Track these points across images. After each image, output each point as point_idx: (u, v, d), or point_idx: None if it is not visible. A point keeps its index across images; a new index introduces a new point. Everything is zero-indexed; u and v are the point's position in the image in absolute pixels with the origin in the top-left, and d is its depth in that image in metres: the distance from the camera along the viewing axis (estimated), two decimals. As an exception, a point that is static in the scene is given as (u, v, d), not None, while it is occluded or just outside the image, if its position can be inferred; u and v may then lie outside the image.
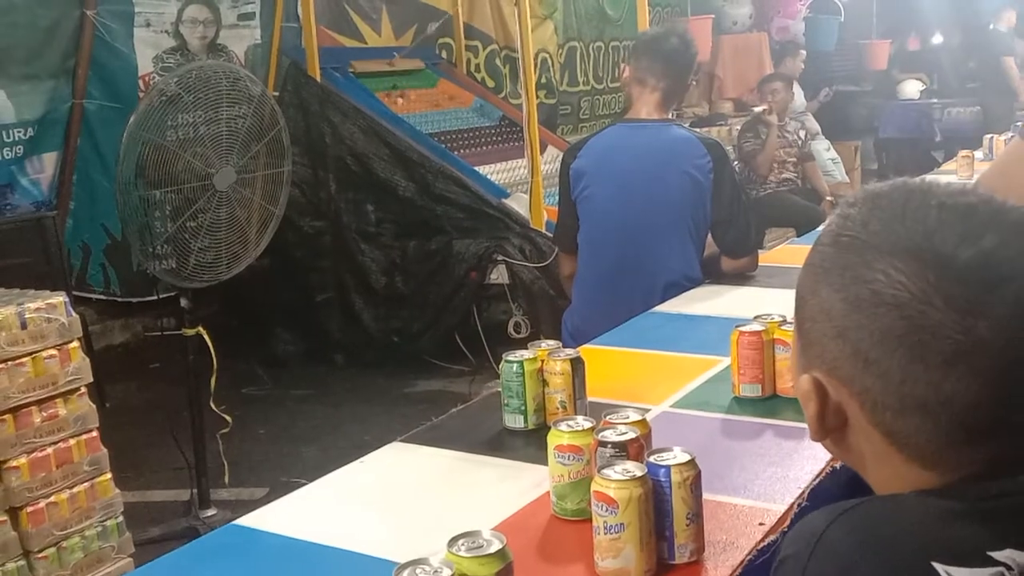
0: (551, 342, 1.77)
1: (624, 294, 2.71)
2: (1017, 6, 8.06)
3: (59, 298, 2.69)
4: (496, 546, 1.04)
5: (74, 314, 2.73)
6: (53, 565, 2.59)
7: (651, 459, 1.23)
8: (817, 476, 1.47)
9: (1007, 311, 0.72)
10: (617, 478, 1.18)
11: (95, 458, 2.73)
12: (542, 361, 1.69)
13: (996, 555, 0.70)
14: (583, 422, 1.39)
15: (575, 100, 7.33)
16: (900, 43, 9.87)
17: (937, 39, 10.36)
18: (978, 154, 4.57)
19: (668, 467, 1.21)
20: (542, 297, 4.35)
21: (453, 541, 1.05)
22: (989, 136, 4.97)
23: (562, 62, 7.10)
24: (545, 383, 1.68)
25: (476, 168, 4.87)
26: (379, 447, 1.66)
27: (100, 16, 4.57)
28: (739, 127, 6.78)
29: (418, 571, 1.00)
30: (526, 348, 1.72)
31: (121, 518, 2.81)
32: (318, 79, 4.93)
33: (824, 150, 7.08)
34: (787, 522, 1.34)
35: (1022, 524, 0.72)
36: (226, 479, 3.53)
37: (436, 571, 0.99)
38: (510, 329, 4.44)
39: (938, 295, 0.72)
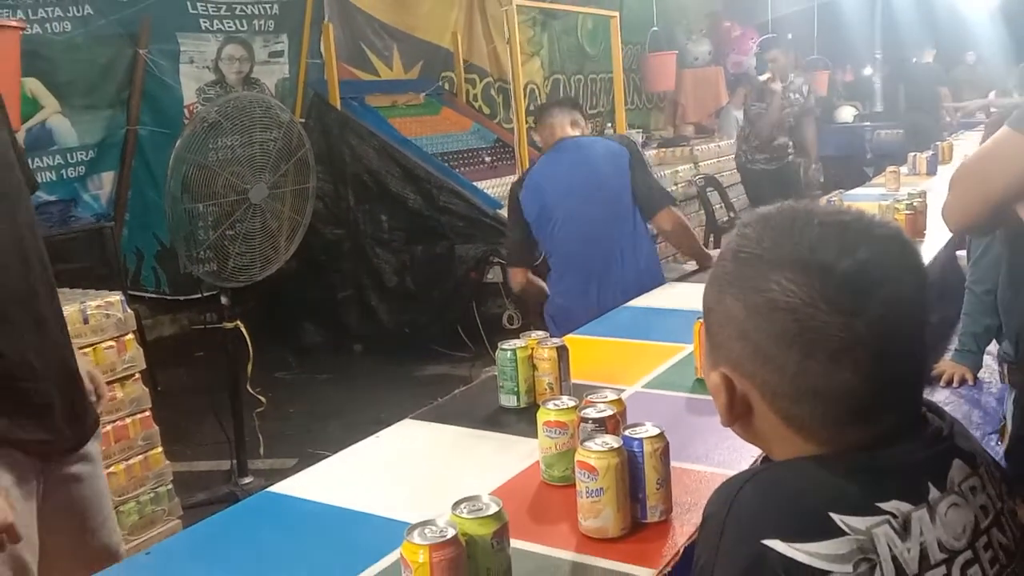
0: (540, 332, 1.76)
1: (604, 285, 2.78)
2: (938, 39, 8.07)
3: (116, 297, 2.69)
4: (493, 508, 1.04)
5: (129, 310, 2.72)
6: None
7: (626, 433, 1.23)
8: (768, 446, 1.47)
9: (880, 311, 0.73)
10: (597, 449, 1.18)
11: (148, 434, 2.73)
12: (532, 349, 1.69)
13: (883, 505, 0.71)
14: (567, 401, 1.38)
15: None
16: (837, 74, 9.88)
17: (867, 71, 10.38)
18: (904, 169, 4.57)
19: (641, 439, 1.20)
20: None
21: (456, 504, 1.05)
22: (913, 154, 4.98)
23: (548, 92, 7.09)
24: (535, 367, 1.68)
25: (474, 183, 4.85)
26: (393, 423, 1.66)
27: (151, 54, 4.56)
28: (700, 148, 6.78)
29: (426, 531, 0.99)
30: (518, 337, 1.72)
31: (171, 485, 2.81)
32: (338, 107, 4.91)
33: None
34: (743, 486, 1.34)
35: (904, 479, 0.73)
36: (261, 451, 3.52)
37: (442, 531, 0.99)
38: (504, 321, 4.43)
39: (823, 300, 0.73)
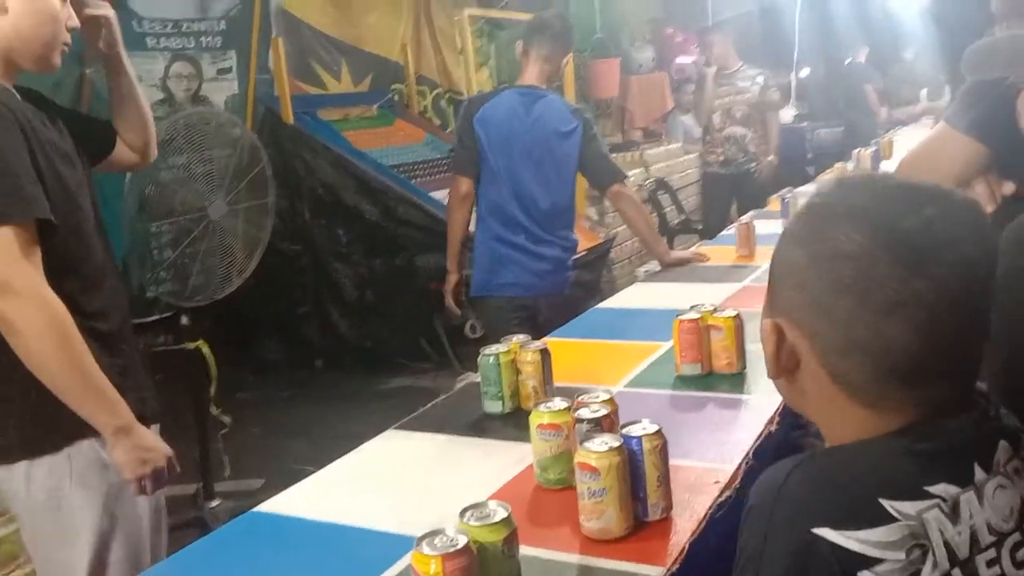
0: (520, 336, 1.74)
1: (529, 241, 2.84)
2: (871, 40, 8.27)
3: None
4: (502, 514, 1.01)
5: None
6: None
7: (624, 431, 1.21)
8: (757, 438, 1.46)
9: (942, 273, 0.72)
10: (598, 449, 1.16)
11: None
12: (515, 353, 1.67)
13: (932, 489, 0.70)
14: (560, 403, 1.36)
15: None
16: (777, 75, 10.04)
17: (804, 72, 10.57)
18: (849, 165, 4.66)
19: (640, 437, 1.19)
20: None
21: (463, 512, 1.02)
22: (857, 150, 5.08)
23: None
24: (518, 371, 1.66)
25: (430, 193, 4.81)
26: (359, 437, 1.60)
27: (97, 72, 4.42)
28: (650, 153, 6.82)
29: (436, 541, 0.96)
30: (488, 345, 1.69)
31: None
32: (291, 122, 4.83)
33: None
34: (738, 479, 1.33)
35: (952, 462, 0.72)
36: (226, 473, 3.42)
37: (452, 540, 0.95)
38: (467, 330, 4.38)
39: (884, 251, 0.73)
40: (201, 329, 3.35)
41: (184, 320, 3.14)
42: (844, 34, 8.32)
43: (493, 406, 1.66)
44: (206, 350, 3.15)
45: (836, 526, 0.68)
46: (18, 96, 1.54)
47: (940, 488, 0.70)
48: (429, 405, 1.80)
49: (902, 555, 0.67)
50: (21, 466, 1.51)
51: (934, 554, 0.68)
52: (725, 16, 7.88)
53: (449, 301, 3.11)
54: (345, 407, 4.25)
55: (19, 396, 1.48)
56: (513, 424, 1.61)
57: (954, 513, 0.69)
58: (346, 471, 1.50)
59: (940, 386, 0.75)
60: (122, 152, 1.81)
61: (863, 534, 0.68)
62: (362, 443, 1.59)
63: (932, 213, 0.74)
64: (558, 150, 2.86)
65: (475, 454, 1.51)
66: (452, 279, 3.09)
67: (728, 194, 5.58)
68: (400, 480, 1.44)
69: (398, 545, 1.19)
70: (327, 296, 4.80)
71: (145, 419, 1.60)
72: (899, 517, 0.68)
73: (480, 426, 1.63)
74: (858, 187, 0.79)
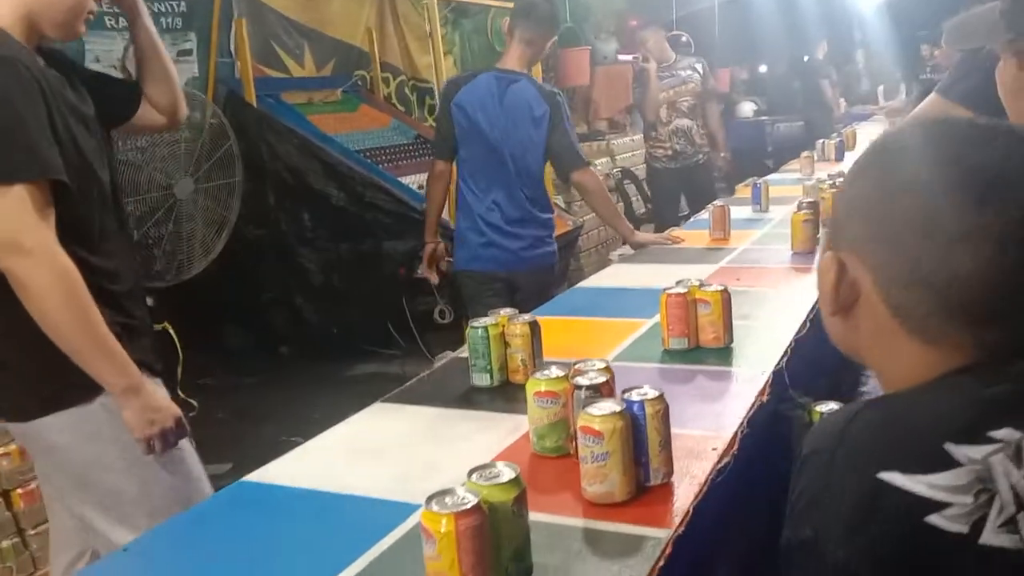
0: (508, 310, 1.72)
1: (504, 221, 2.94)
2: (829, 37, 8.39)
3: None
4: (511, 474, 0.99)
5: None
6: (46, 540, 2.40)
7: (625, 396, 1.20)
8: (751, 408, 1.47)
9: (1012, 207, 0.71)
10: (601, 413, 1.14)
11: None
12: (503, 326, 1.65)
13: (995, 434, 0.69)
14: (556, 371, 1.35)
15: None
16: (737, 71, 10.15)
17: (762, 69, 10.70)
18: (816, 155, 4.74)
19: (642, 402, 1.18)
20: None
21: (471, 472, 1.00)
22: (821, 141, 5.16)
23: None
24: (507, 344, 1.64)
25: (398, 178, 4.76)
26: (328, 423, 1.55)
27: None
28: (616, 143, 6.83)
29: (446, 499, 0.93)
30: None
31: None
32: (254, 104, 4.74)
33: None
34: (735, 446, 1.33)
35: (1015, 407, 0.71)
36: (192, 458, 3.35)
37: (463, 498, 0.93)
38: (436, 316, 4.35)
39: (955, 183, 0.72)
40: (165, 314, 3.28)
41: (149, 301, 3.06)
42: (807, 29, 8.42)
43: (481, 379, 1.64)
44: (172, 332, 3.08)
45: (903, 470, 0.67)
46: (41, 60, 1.54)
47: (1004, 433, 0.68)
48: (414, 380, 1.77)
49: (970, 499, 0.66)
50: (59, 416, 1.55)
51: (1000, 498, 0.66)
52: (689, 11, 7.94)
53: (424, 268, 3.23)
54: (312, 394, 4.18)
55: (50, 348, 1.48)
56: (503, 397, 1.60)
57: (1018, 458, 0.68)
58: (335, 442, 1.47)
59: (1002, 327, 0.73)
60: (148, 114, 1.82)
61: (931, 478, 0.67)
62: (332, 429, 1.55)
63: (1005, 149, 0.73)
64: (527, 137, 2.93)
65: (468, 426, 1.49)
66: (428, 248, 3.18)
67: (678, 187, 5.52)
68: (393, 450, 1.41)
69: (396, 512, 1.17)
70: (292, 282, 4.71)
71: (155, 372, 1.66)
72: (965, 462, 0.67)
73: (469, 399, 1.61)
74: (931, 123, 0.78)
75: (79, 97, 1.61)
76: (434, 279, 3.28)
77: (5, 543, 2.32)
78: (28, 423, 1.57)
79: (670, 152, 5.39)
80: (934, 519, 0.66)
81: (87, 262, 1.52)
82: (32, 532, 2.37)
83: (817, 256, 0.87)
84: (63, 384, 1.51)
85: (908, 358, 0.76)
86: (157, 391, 1.61)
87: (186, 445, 1.71)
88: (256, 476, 1.34)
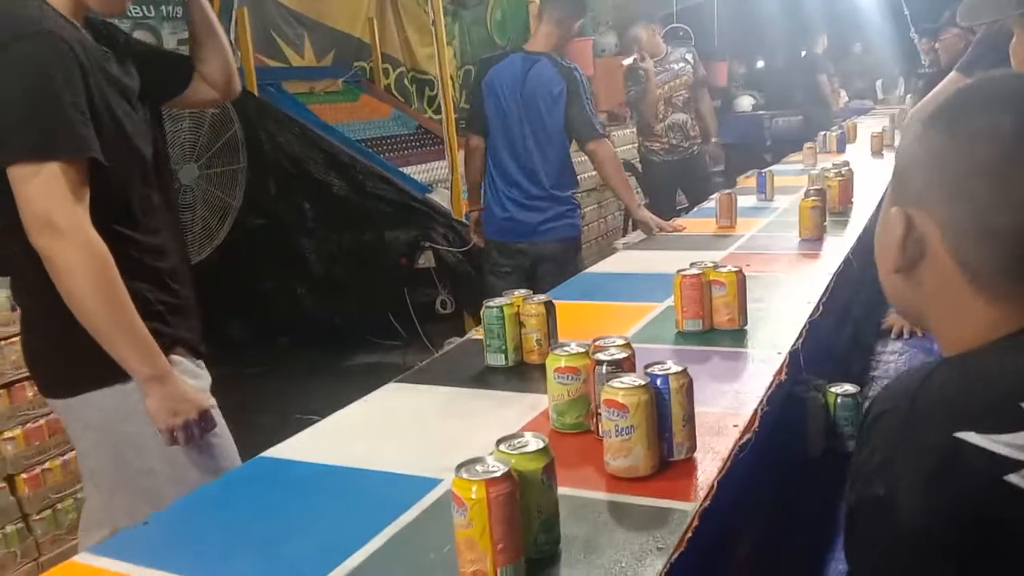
0: (523, 290, 1.72)
1: (525, 197, 3.13)
2: (828, 32, 8.38)
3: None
4: (539, 444, 0.99)
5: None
6: (50, 525, 2.40)
7: (649, 370, 1.19)
8: (769, 386, 1.46)
9: None
10: (625, 387, 1.14)
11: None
12: (519, 306, 1.64)
13: None
14: (576, 347, 1.34)
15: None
16: (735, 65, 10.14)
17: (760, 63, 10.69)
18: (818, 146, 4.75)
19: (666, 376, 1.17)
20: (464, 277, 4.27)
21: (499, 442, 0.99)
22: (823, 133, 5.16)
23: (460, 82, 7.02)
24: (522, 324, 1.63)
25: (400, 169, 4.75)
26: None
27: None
28: (617, 134, 6.81)
29: (477, 467, 0.93)
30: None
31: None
32: (256, 93, 4.72)
33: None
34: (756, 424, 1.32)
35: None
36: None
37: (493, 467, 0.92)
38: (437, 306, 4.35)
39: None
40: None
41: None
42: (808, 23, 8.42)
43: (496, 359, 1.63)
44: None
45: (981, 430, 0.66)
46: (89, 34, 1.52)
47: None
48: (427, 361, 1.76)
49: None
50: (98, 393, 1.54)
51: None
52: (688, 4, 7.93)
53: (471, 233, 3.56)
54: (313, 383, 4.18)
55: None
56: (518, 377, 1.59)
57: None
58: (352, 420, 1.46)
59: None
60: (200, 88, 1.79)
61: (1009, 437, 0.66)
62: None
63: None
64: (547, 115, 3.06)
65: (485, 403, 1.48)
66: (474, 215, 3.45)
67: (675, 180, 5.55)
68: (410, 427, 1.40)
69: (418, 486, 1.16)
70: (293, 272, 4.70)
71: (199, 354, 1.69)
72: None
73: (484, 379, 1.60)
74: (1006, 77, 0.78)
75: (123, 71, 1.58)
76: (481, 243, 3.45)
77: (10, 528, 2.30)
78: (68, 400, 1.56)
79: (667, 146, 5.41)
80: (1013, 478, 0.65)
81: (131, 238, 1.51)
82: (36, 517, 2.36)
83: (880, 213, 0.85)
84: (104, 362, 1.49)
85: (972, 316, 0.75)
86: (186, 383, 1.57)
87: (223, 431, 1.70)
88: (273, 452, 1.33)
